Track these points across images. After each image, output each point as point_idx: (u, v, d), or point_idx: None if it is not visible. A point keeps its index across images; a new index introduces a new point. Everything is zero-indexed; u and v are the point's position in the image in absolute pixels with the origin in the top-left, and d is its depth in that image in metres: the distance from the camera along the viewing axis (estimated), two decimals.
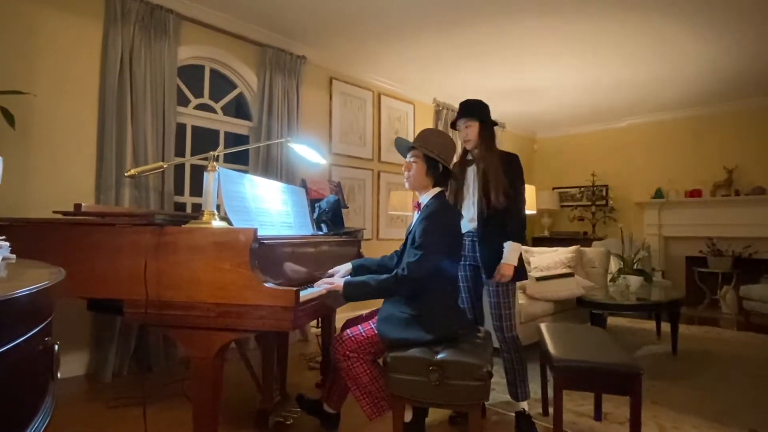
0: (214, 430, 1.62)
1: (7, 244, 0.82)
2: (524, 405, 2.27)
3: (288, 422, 2.13)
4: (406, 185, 2.02)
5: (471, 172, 2.56)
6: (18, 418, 0.58)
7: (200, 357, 1.60)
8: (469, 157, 2.67)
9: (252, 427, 2.17)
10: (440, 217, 1.87)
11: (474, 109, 2.58)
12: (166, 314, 1.59)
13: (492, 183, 2.33)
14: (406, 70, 4.82)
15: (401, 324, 1.82)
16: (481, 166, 2.41)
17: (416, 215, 1.98)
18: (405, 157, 2.02)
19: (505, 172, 2.39)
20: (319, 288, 1.87)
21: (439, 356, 1.72)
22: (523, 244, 2.40)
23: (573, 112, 6.35)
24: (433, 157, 1.92)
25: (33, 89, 2.68)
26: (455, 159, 2.38)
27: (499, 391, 2.72)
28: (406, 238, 1.96)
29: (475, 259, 2.38)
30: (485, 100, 2.75)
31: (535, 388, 2.74)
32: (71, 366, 2.86)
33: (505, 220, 2.33)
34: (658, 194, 6.28)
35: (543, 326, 2.39)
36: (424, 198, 1.97)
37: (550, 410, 2.24)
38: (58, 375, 0.68)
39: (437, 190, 1.97)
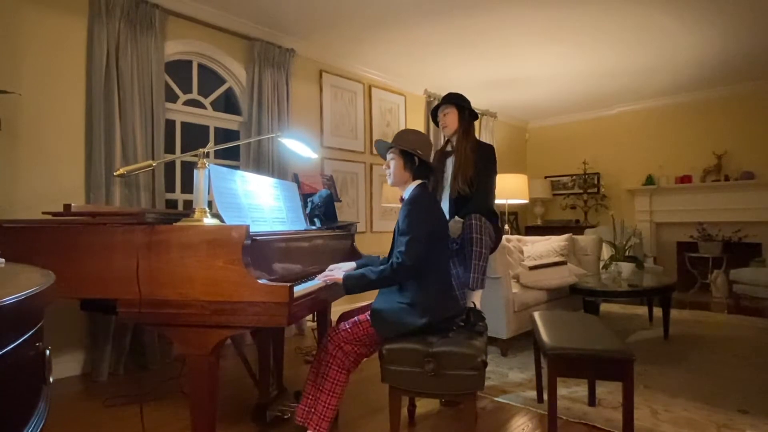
0: (212, 425, 1.63)
1: None
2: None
3: (285, 416, 2.14)
4: (389, 182, 2.07)
5: (450, 163, 2.62)
6: (10, 424, 0.58)
7: (196, 354, 1.60)
8: (449, 147, 2.71)
9: (249, 422, 2.18)
10: (419, 202, 1.92)
11: (451, 97, 2.63)
12: (160, 313, 1.58)
13: (459, 170, 2.43)
14: (397, 61, 4.79)
15: (396, 311, 1.84)
16: (457, 155, 2.50)
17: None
18: (385, 158, 2.08)
19: (476, 162, 2.48)
20: (315, 282, 1.88)
21: (434, 347, 1.74)
22: (488, 220, 2.48)
23: (564, 100, 6.36)
24: (409, 151, 1.97)
25: (18, 88, 2.64)
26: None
27: (494, 380, 2.75)
28: (394, 232, 1.98)
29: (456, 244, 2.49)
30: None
31: (529, 375, 2.79)
32: (67, 366, 2.85)
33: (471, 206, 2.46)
34: (649, 181, 6.33)
35: (536, 315, 2.41)
36: (406, 192, 2.02)
37: (545, 397, 2.27)
38: (51, 380, 0.68)
39: (417, 182, 2.01)
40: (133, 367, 3.03)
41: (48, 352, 0.66)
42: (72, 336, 2.88)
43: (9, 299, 0.52)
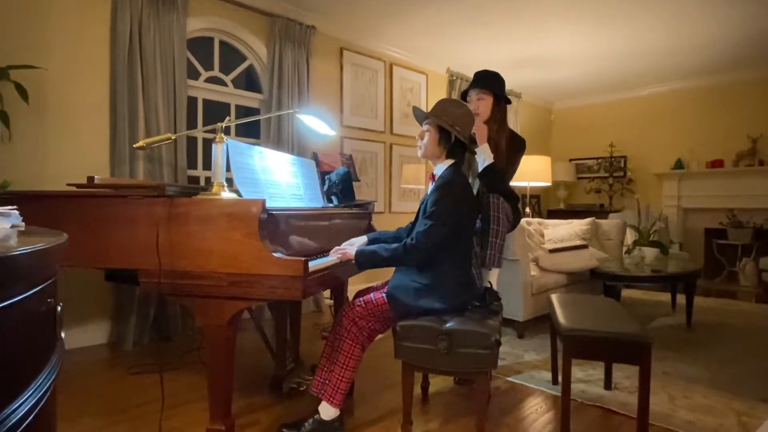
0: (229, 395, 1.68)
1: (17, 212, 0.84)
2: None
3: (301, 388, 2.19)
4: (419, 153, 2.00)
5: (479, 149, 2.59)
6: (21, 373, 0.61)
7: (213, 325, 1.64)
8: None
9: (266, 393, 2.24)
10: (452, 187, 1.86)
11: (490, 82, 2.54)
12: (179, 283, 1.62)
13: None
14: (419, 39, 4.70)
15: (412, 293, 1.83)
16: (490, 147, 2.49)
17: (431, 186, 1.97)
18: (421, 125, 2.01)
19: (508, 155, 2.48)
20: (331, 258, 1.89)
21: (448, 325, 1.74)
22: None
23: (591, 80, 6.16)
24: (446, 128, 1.90)
25: (45, 64, 2.69)
26: None
27: (509, 361, 2.75)
28: (419, 209, 1.95)
29: None
30: (500, 69, 2.71)
31: (545, 357, 2.77)
32: (94, 335, 2.97)
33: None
34: (678, 165, 6.12)
35: (554, 297, 2.38)
36: (439, 168, 1.96)
37: (560, 378, 2.26)
38: (63, 335, 0.70)
39: (451, 161, 1.95)
40: (156, 337, 3.13)
41: (60, 308, 0.69)
42: (99, 306, 2.98)
43: (20, 250, 0.54)
